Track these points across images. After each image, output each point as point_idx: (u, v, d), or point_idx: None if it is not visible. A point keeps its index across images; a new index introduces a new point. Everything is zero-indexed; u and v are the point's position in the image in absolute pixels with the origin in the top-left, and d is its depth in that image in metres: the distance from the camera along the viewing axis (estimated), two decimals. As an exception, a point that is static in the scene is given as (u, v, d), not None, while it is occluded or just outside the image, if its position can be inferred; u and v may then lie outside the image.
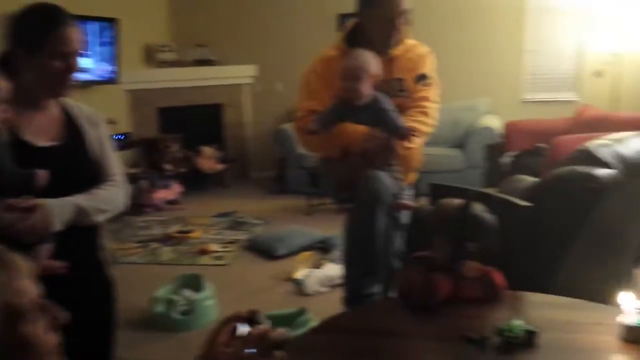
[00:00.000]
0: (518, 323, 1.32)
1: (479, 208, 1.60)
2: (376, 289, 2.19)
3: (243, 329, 0.83)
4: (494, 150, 4.95)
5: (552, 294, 1.62)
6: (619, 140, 2.27)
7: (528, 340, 1.29)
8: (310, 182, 4.68)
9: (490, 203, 1.67)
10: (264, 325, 0.83)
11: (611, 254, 2.44)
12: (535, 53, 5.38)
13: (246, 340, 0.81)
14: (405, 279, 1.62)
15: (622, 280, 2.68)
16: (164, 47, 5.59)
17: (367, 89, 2.15)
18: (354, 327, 1.46)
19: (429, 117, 2.30)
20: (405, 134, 2.16)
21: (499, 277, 1.56)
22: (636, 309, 1.26)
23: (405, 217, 2.30)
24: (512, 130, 5.05)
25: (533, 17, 5.29)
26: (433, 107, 2.34)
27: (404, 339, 1.38)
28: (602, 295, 2.47)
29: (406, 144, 2.18)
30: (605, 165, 2.07)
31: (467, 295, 1.54)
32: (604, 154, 2.11)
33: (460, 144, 5.05)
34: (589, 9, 5.03)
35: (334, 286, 3.08)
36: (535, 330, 1.30)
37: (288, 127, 5.00)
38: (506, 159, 4.78)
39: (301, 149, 4.74)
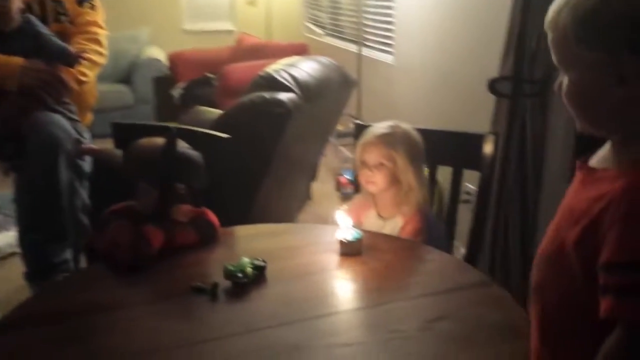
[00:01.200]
0: (245, 261, 1.25)
1: (183, 145, 1.45)
2: (67, 254, 1.84)
3: None
4: (163, 83, 4.77)
5: (254, 222, 1.60)
6: (291, 65, 2.36)
7: (258, 276, 1.24)
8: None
9: (190, 139, 1.53)
10: None
11: (297, 175, 2.61)
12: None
13: None
14: (108, 238, 1.37)
15: (305, 196, 2.94)
16: None
17: (15, 9, 1.71)
18: (51, 311, 1.15)
19: (102, 45, 1.98)
20: (74, 59, 1.82)
21: (212, 216, 1.47)
22: (349, 224, 1.32)
23: (87, 165, 1.98)
24: (177, 61, 4.93)
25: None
26: (103, 34, 2.03)
27: (119, 310, 1.15)
28: (292, 214, 2.66)
29: (80, 76, 1.85)
30: (287, 89, 2.14)
31: (183, 241, 1.40)
32: (284, 78, 2.17)
33: (125, 78, 4.70)
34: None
35: (4, 258, 2.57)
36: (263, 264, 1.25)
37: None
38: (176, 91, 4.66)
39: None
